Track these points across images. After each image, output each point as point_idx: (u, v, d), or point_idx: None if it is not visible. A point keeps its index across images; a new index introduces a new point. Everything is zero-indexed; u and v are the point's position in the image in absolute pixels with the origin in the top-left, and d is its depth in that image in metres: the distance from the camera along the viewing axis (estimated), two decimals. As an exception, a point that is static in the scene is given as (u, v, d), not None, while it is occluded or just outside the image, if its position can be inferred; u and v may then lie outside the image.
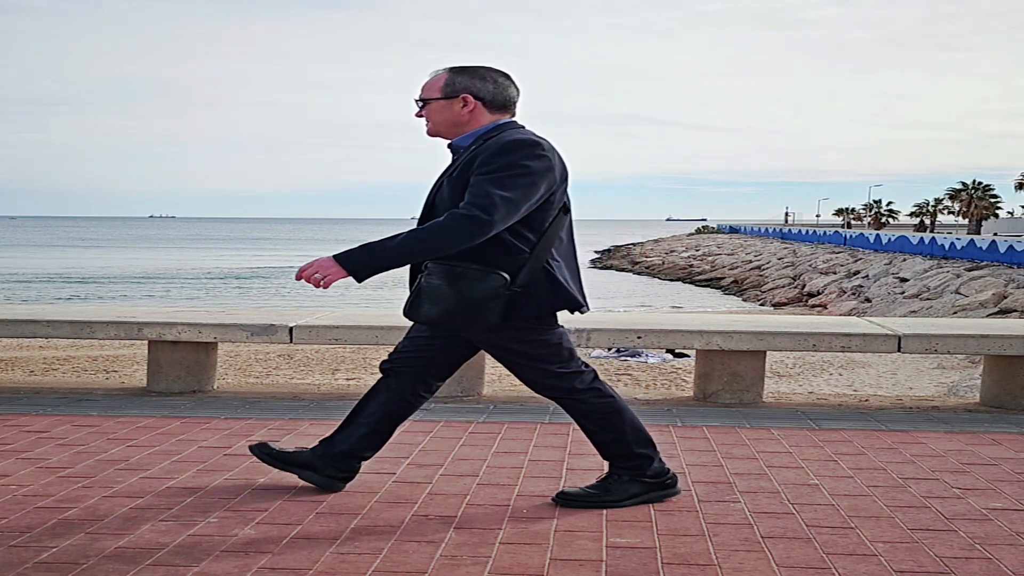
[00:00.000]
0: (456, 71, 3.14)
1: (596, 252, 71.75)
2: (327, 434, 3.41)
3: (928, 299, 23.22)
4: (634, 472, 3.26)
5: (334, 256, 2.97)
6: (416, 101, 3.17)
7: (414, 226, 3.17)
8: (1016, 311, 18.93)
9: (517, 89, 3.21)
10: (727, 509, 3.22)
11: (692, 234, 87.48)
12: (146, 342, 5.46)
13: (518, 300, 3.03)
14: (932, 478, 3.66)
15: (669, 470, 3.33)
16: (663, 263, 50.47)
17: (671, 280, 42.88)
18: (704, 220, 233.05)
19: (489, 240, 2.97)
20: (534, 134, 3.10)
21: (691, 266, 46.71)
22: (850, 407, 5.19)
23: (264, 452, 3.45)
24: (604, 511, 3.16)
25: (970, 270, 25.57)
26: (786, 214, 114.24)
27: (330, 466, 3.35)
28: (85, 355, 12.01)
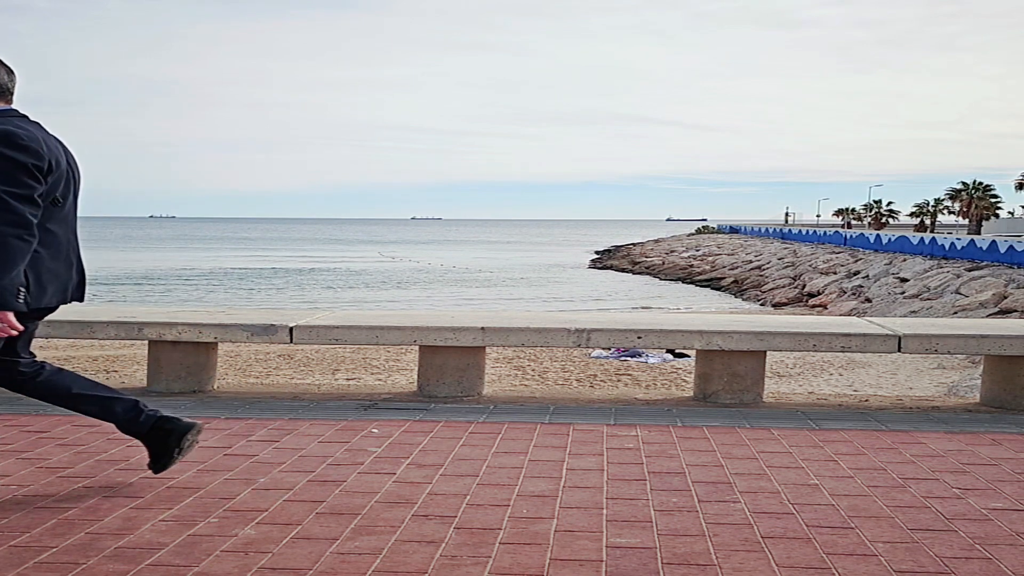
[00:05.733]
0: None
1: (596, 252, 71.70)
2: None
3: (928, 299, 23.21)
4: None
5: None
6: None
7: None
8: (1016, 311, 18.93)
9: (9, 76, 3.16)
10: (727, 509, 3.22)
11: (692, 234, 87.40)
12: (146, 342, 5.47)
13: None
14: (932, 478, 3.66)
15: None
16: (663, 263, 50.46)
17: (671, 280, 42.86)
18: (704, 220, 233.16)
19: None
20: (19, 124, 3.06)
21: (691, 266, 46.69)
22: (850, 407, 5.19)
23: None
24: (603, 511, 3.16)
25: (970, 270, 25.56)
26: (786, 214, 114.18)
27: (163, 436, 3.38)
28: (85, 355, 12.00)
